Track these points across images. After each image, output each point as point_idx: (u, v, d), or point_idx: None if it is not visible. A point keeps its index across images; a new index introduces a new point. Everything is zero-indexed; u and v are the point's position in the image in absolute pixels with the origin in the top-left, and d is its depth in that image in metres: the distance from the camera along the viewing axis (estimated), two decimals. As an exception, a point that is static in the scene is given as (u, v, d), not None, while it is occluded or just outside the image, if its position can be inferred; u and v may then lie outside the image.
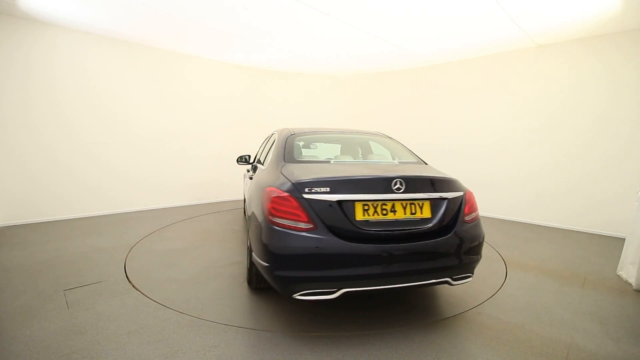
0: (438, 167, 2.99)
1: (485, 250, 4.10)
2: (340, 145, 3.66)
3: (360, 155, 3.45)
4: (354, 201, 2.13)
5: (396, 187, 2.18)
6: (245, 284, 2.97)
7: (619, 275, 3.33)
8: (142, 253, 3.76)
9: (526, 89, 5.58)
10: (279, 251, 2.05)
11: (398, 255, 2.12)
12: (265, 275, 2.23)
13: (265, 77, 7.66)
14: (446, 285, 2.27)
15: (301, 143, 3.16)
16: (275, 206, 2.14)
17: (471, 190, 2.55)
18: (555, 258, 3.87)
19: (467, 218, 2.36)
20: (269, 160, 2.99)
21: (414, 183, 2.24)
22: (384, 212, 2.17)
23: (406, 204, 2.22)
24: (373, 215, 2.15)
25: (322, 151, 3.26)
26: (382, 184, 2.19)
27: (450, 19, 4.36)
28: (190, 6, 4.17)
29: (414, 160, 3.09)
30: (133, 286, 2.90)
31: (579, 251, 4.14)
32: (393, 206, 2.19)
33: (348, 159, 3.23)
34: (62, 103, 5.15)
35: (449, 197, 2.31)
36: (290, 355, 2.01)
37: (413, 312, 2.56)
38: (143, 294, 2.75)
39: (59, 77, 5.10)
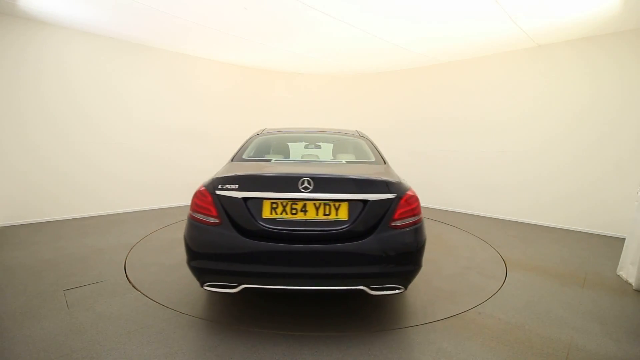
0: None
1: (486, 250, 4.10)
2: (304, 145, 3.63)
3: (316, 155, 3.40)
4: (261, 199, 2.14)
5: (303, 186, 2.12)
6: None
7: (619, 275, 3.33)
8: (142, 253, 3.76)
9: (526, 89, 5.58)
10: (190, 243, 2.18)
11: (303, 256, 2.07)
12: None
13: (265, 77, 7.65)
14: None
15: (261, 142, 3.22)
16: (195, 201, 2.25)
17: (415, 194, 2.31)
18: (555, 258, 3.87)
19: (394, 223, 2.15)
20: None
21: (326, 183, 2.15)
22: (294, 211, 2.14)
23: (319, 205, 2.14)
24: (281, 214, 2.13)
25: (284, 150, 3.30)
26: (290, 182, 2.14)
27: (450, 18, 4.36)
28: (189, 6, 4.17)
29: (372, 160, 2.91)
30: (133, 286, 2.90)
31: (579, 251, 4.14)
32: (304, 206, 2.14)
33: (313, 157, 3.20)
34: (61, 102, 5.15)
35: (371, 199, 2.14)
36: (290, 355, 2.01)
37: (413, 312, 2.56)
38: (143, 294, 2.75)
39: (74, 78, 5.14)
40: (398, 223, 2.16)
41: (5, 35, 4.63)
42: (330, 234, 2.10)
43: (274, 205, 2.14)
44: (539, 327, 2.37)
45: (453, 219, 5.74)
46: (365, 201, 2.14)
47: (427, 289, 2.95)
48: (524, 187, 5.64)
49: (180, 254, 3.70)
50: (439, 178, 6.65)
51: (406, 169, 6.83)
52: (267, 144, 3.27)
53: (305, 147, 3.54)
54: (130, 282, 2.99)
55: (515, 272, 3.40)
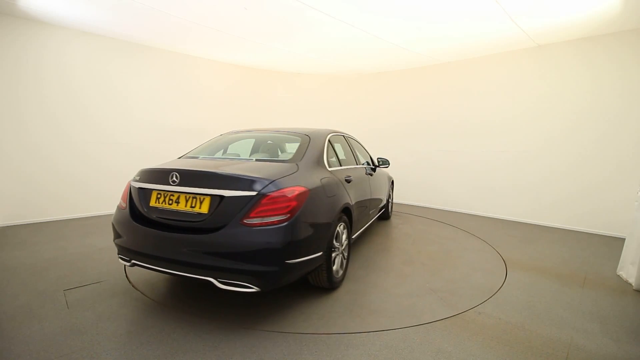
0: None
1: (486, 250, 4.10)
2: (252, 145, 3.73)
3: (248, 153, 3.49)
4: (151, 190, 2.47)
5: (172, 179, 2.36)
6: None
7: (619, 275, 3.33)
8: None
9: (526, 90, 5.58)
10: (113, 222, 2.66)
11: (165, 242, 2.29)
12: None
13: (265, 77, 7.65)
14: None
15: (213, 142, 3.49)
16: (124, 189, 2.74)
17: (291, 194, 2.28)
18: (556, 258, 3.87)
19: (248, 221, 2.15)
20: None
21: (191, 177, 2.34)
22: (170, 201, 2.37)
23: (189, 197, 2.32)
24: (162, 203, 2.40)
25: (225, 149, 3.45)
26: (164, 176, 2.41)
27: (450, 18, 4.36)
28: (189, 6, 4.17)
29: (286, 159, 2.87)
30: (133, 286, 2.91)
31: (579, 251, 4.14)
32: (178, 197, 2.35)
33: (234, 155, 3.28)
34: (62, 102, 5.15)
35: (226, 195, 2.21)
36: (290, 355, 2.01)
37: (413, 312, 2.56)
38: (143, 294, 2.76)
39: (74, 78, 5.14)
40: (254, 221, 2.16)
41: (5, 35, 4.63)
42: (190, 225, 2.29)
43: (159, 196, 2.43)
44: (539, 327, 2.37)
45: (453, 219, 5.74)
46: (222, 196, 2.23)
47: (427, 289, 2.95)
48: (524, 187, 5.64)
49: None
50: (439, 178, 6.65)
51: (406, 169, 6.80)
52: (217, 144, 3.48)
53: (254, 146, 3.70)
54: (130, 282, 2.99)
55: (515, 272, 3.40)
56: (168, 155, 6.29)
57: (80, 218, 5.30)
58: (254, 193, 2.21)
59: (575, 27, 4.59)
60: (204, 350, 2.03)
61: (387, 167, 4.77)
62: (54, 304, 2.55)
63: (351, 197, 3.18)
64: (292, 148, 3.16)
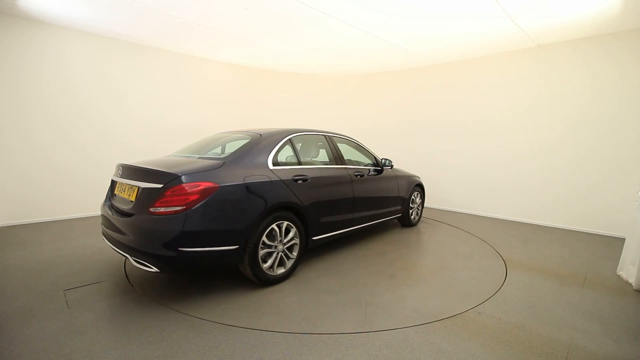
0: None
1: (485, 250, 4.10)
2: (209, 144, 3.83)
3: (203, 152, 3.49)
4: (115, 181, 3.03)
5: (119, 172, 2.93)
6: (246, 283, 2.97)
7: (619, 275, 3.33)
8: (142, 253, 3.76)
9: (526, 90, 5.58)
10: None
11: (115, 224, 2.72)
12: None
13: (265, 76, 7.65)
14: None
15: (197, 142, 3.82)
16: None
17: (192, 188, 2.49)
18: (555, 258, 3.87)
19: (153, 209, 2.46)
20: None
21: (127, 171, 2.85)
22: (123, 191, 2.83)
23: (128, 187, 2.77)
24: (120, 192, 2.88)
25: (200, 149, 3.60)
26: (117, 170, 2.98)
27: (450, 18, 4.36)
28: (190, 6, 4.17)
29: (217, 156, 3.13)
30: (133, 286, 2.91)
31: (579, 251, 4.14)
32: (124, 187, 2.82)
33: (193, 154, 3.38)
34: (63, 101, 5.15)
35: (142, 186, 2.60)
36: (290, 355, 2.01)
37: (413, 312, 2.56)
38: (143, 294, 2.76)
39: (75, 78, 5.14)
40: (158, 210, 2.46)
41: (6, 35, 4.63)
42: (126, 211, 2.69)
43: (120, 186, 2.91)
44: (539, 327, 2.37)
45: (453, 219, 5.74)
46: (139, 187, 2.63)
47: (426, 289, 2.95)
48: (524, 187, 5.64)
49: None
50: (439, 178, 6.65)
51: (406, 169, 6.84)
52: (198, 144, 3.73)
53: (208, 145, 3.80)
54: (130, 282, 2.99)
55: (515, 272, 3.40)
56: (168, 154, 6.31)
57: (80, 218, 5.30)
58: (160, 185, 2.51)
59: (575, 27, 4.59)
60: (204, 350, 2.03)
61: (389, 168, 4.61)
62: (54, 304, 2.55)
63: (302, 197, 3.18)
64: (234, 147, 3.26)
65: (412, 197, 5.08)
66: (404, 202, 4.93)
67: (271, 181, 2.96)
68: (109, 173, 5.60)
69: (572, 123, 5.14)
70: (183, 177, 2.50)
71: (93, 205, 5.46)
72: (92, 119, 5.44)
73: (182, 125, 6.48)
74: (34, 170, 4.95)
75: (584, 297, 2.88)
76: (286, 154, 3.37)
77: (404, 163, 6.97)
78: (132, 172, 2.79)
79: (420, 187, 5.32)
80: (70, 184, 5.27)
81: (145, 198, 2.53)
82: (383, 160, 4.57)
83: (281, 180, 3.05)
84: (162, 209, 2.44)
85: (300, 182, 3.21)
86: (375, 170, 4.37)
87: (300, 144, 3.68)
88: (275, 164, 3.12)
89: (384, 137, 7.41)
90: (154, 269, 2.47)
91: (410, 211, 5.09)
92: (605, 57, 4.83)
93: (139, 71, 5.91)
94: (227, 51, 6.23)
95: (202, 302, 2.65)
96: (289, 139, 3.42)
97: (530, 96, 5.54)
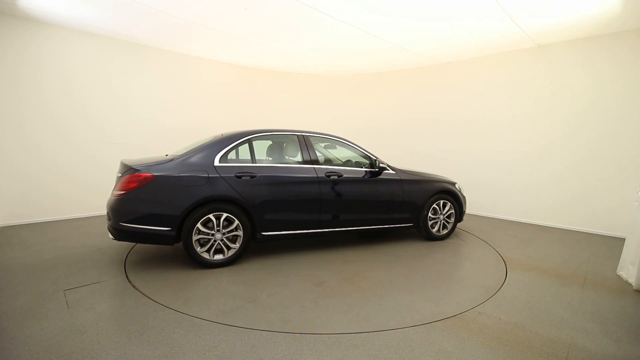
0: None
1: (486, 250, 4.10)
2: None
3: (180, 151, 3.79)
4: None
5: (119, 169, 3.42)
6: (246, 283, 2.97)
7: (619, 275, 3.33)
8: (142, 253, 3.76)
9: (526, 90, 5.58)
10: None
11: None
12: None
13: (265, 76, 7.65)
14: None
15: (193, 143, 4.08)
16: None
17: (137, 178, 3.10)
18: (555, 258, 3.87)
19: (116, 192, 3.18)
20: None
21: (121, 166, 3.37)
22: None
23: (117, 177, 3.37)
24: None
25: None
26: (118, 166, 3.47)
27: (450, 18, 4.36)
28: (190, 6, 4.17)
29: (182, 153, 3.50)
30: (133, 286, 2.90)
31: (579, 251, 4.14)
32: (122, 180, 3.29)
33: (176, 153, 3.73)
34: (62, 102, 5.15)
35: (119, 175, 3.31)
36: (290, 355, 2.01)
37: (413, 312, 2.56)
38: (143, 294, 2.75)
39: (74, 78, 5.14)
40: (118, 192, 3.16)
41: (5, 35, 4.63)
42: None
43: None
44: (539, 327, 2.37)
45: (453, 219, 5.73)
46: (117, 176, 3.32)
47: (426, 289, 2.95)
48: (524, 187, 5.64)
49: (181, 254, 3.71)
50: (439, 178, 6.64)
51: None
52: (191, 144, 3.88)
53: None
54: (130, 282, 2.99)
55: (515, 272, 3.40)
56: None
57: (80, 218, 5.30)
58: (120, 175, 3.26)
59: (576, 27, 4.59)
60: (204, 350, 2.03)
61: (392, 171, 4.25)
62: (54, 304, 2.55)
63: (245, 193, 3.37)
64: (194, 145, 3.64)
65: (435, 206, 4.37)
66: (416, 211, 4.26)
67: (208, 176, 3.27)
68: (109, 173, 5.65)
69: (572, 123, 5.14)
70: (132, 169, 3.14)
71: (93, 205, 5.46)
72: (91, 119, 5.44)
73: (182, 125, 6.47)
74: (33, 170, 4.96)
75: (584, 297, 2.88)
76: (242, 153, 3.66)
77: (404, 163, 6.95)
78: (120, 166, 3.42)
79: (450, 195, 4.48)
80: (69, 184, 5.27)
81: (116, 184, 3.27)
82: (378, 162, 4.12)
83: (220, 176, 3.31)
84: (117, 192, 3.15)
85: (245, 178, 3.40)
86: (371, 172, 4.07)
87: (263, 144, 3.92)
88: (223, 161, 3.41)
89: (384, 137, 7.40)
90: (110, 236, 3.22)
91: (432, 222, 4.37)
92: (605, 58, 4.83)
93: (138, 71, 5.91)
94: (226, 51, 6.23)
95: (202, 302, 2.64)
96: (248, 139, 3.64)
97: (530, 96, 5.54)
